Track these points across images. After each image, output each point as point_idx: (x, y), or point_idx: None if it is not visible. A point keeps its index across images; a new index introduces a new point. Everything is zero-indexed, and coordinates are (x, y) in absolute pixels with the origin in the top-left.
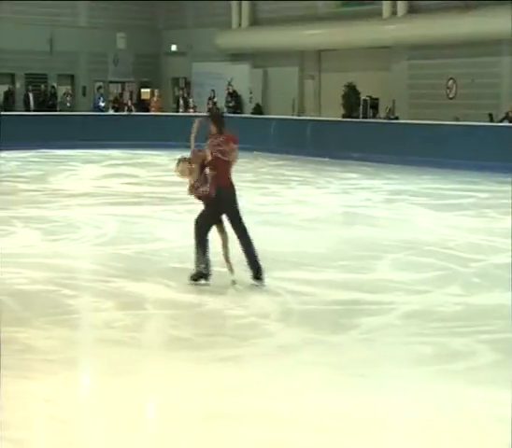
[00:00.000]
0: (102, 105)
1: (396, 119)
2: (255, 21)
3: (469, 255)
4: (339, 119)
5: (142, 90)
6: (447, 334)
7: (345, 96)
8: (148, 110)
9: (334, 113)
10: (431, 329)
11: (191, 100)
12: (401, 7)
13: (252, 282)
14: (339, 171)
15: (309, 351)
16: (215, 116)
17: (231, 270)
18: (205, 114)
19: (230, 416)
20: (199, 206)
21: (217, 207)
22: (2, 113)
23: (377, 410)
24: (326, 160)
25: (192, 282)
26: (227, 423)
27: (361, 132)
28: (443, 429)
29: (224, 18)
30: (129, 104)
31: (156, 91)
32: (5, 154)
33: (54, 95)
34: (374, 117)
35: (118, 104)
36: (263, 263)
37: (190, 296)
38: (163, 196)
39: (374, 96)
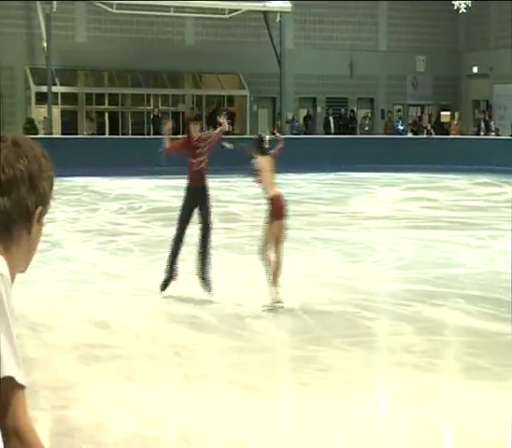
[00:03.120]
0: (401, 128)
1: None
2: None
3: None
4: None
5: (441, 113)
6: None
7: None
8: (447, 133)
9: None
10: None
11: (492, 123)
12: None
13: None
14: None
15: None
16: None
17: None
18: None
19: None
20: (503, 232)
21: None
22: (303, 136)
23: None
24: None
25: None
26: None
27: None
28: None
29: None
30: (428, 127)
31: (456, 114)
32: (307, 176)
33: (354, 119)
34: None
35: (417, 127)
36: None
37: (491, 324)
38: (462, 221)
39: None
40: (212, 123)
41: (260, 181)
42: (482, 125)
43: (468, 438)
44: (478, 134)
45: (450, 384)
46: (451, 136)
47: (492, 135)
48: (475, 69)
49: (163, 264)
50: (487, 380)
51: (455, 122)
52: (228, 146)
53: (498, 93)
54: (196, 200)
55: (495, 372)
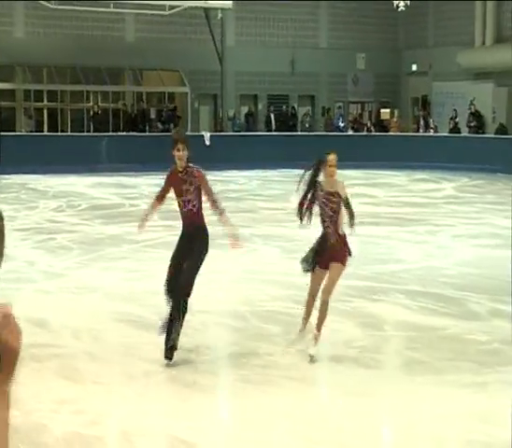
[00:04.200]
0: (341, 125)
1: None
2: (500, 39)
3: None
4: None
5: (381, 110)
6: None
7: None
8: (387, 130)
9: None
10: None
11: (431, 120)
12: None
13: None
14: None
15: None
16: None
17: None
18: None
19: (473, 446)
20: (441, 228)
21: None
22: (244, 133)
23: None
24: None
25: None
26: None
27: None
28: None
29: (467, 36)
30: (368, 124)
31: (396, 112)
32: (248, 173)
33: (295, 116)
34: None
35: (357, 124)
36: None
37: (430, 319)
38: (401, 217)
39: None
40: (167, 121)
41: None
42: (421, 122)
43: (409, 431)
44: (418, 131)
45: (391, 378)
46: (391, 133)
47: (431, 132)
48: (414, 67)
49: (103, 262)
50: (427, 374)
51: (395, 119)
52: (207, 142)
53: (437, 91)
54: (182, 248)
55: (435, 366)
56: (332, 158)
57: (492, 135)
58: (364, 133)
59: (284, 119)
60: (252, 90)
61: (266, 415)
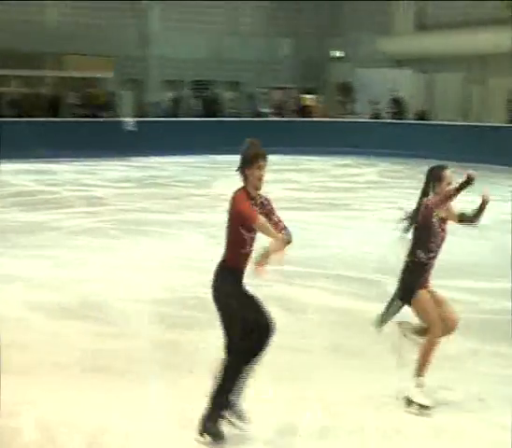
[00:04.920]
0: (265, 110)
1: None
2: (420, 26)
3: None
4: (505, 124)
5: (305, 95)
6: None
7: (511, 101)
8: (310, 116)
9: (500, 118)
10: None
11: (353, 106)
12: None
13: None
14: (505, 177)
15: (479, 362)
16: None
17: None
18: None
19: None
20: (365, 213)
21: None
22: (168, 119)
23: None
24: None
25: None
26: (383, 435)
27: None
28: None
29: (388, 23)
30: (292, 110)
31: (319, 98)
32: (173, 159)
33: (218, 101)
34: None
35: (280, 110)
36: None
37: (356, 303)
38: (327, 202)
39: None
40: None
41: None
42: (344, 108)
43: (338, 415)
44: (340, 117)
45: (321, 363)
46: (314, 119)
47: (353, 118)
48: (337, 53)
49: (23, 250)
50: (353, 358)
51: (318, 105)
52: (130, 128)
53: (359, 77)
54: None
55: (361, 350)
56: (451, 174)
57: (412, 121)
58: (288, 119)
59: (208, 104)
60: (177, 75)
61: (199, 403)
